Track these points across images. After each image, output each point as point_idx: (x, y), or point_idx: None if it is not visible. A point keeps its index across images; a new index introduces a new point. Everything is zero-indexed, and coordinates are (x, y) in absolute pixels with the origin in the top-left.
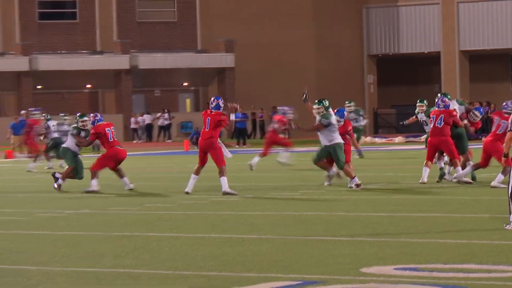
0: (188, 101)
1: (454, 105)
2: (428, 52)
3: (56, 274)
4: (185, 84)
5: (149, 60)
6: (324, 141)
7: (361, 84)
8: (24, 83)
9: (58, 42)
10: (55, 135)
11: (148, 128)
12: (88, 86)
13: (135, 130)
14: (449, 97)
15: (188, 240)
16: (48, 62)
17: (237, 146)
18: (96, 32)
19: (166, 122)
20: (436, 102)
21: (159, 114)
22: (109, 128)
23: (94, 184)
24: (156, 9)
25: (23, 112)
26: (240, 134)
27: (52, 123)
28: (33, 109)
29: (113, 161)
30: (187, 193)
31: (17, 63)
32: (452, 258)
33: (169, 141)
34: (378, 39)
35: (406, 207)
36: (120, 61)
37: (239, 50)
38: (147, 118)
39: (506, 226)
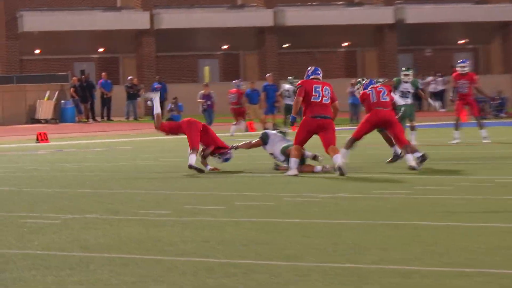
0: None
1: None
2: None
3: (308, 270)
4: (462, 41)
5: (417, 13)
6: None
7: None
8: (268, 40)
9: None
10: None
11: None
12: (345, 44)
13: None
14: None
15: (468, 230)
16: (296, 15)
17: None
18: None
19: (440, 88)
20: None
21: (430, 78)
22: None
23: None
24: None
25: (268, 75)
26: None
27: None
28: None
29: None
30: None
31: (260, 17)
32: None
33: (442, 110)
34: None
35: None
36: (383, 14)
37: None
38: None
39: None
